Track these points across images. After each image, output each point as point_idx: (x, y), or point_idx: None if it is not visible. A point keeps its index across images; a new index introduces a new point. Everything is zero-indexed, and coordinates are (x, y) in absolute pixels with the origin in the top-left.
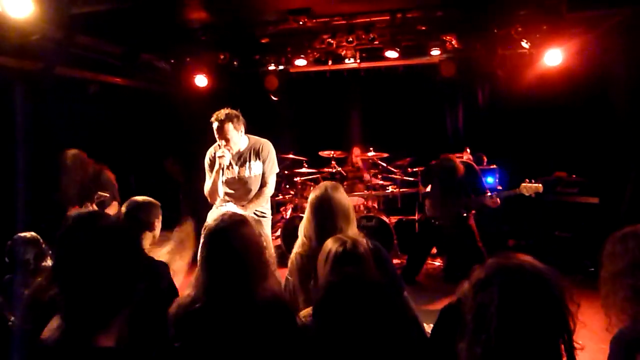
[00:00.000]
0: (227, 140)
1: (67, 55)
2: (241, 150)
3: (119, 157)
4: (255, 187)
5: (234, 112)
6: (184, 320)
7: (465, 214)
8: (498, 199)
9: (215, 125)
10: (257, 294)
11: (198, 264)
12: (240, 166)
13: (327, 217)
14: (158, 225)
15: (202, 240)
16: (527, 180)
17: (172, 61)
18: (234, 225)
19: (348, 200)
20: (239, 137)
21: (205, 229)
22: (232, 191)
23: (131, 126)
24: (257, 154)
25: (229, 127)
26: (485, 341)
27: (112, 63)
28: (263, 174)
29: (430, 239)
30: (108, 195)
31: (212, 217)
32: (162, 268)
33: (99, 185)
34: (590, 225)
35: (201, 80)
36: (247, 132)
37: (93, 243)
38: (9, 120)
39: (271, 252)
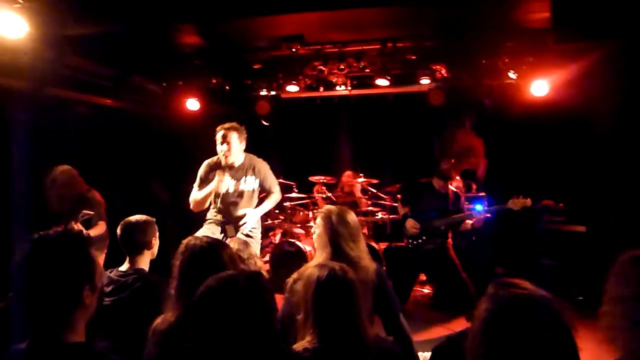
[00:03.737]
0: (229, 145)
1: (59, 75)
2: (237, 165)
3: (107, 178)
4: (246, 202)
5: (240, 125)
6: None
7: (448, 236)
8: (480, 216)
9: (220, 133)
10: None
11: (175, 282)
12: (236, 180)
13: (346, 240)
14: (156, 242)
15: (181, 258)
16: (515, 196)
17: (164, 84)
18: (216, 247)
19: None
20: (239, 150)
21: (184, 248)
22: (222, 205)
23: (120, 148)
24: (253, 171)
25: (234, 135)
26: None
27: (103, 84)
28: (266, 188)
29: (416, 265)
30: (93, 213)
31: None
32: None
33: (86, 204)
34: (578, 253)
35: (192, 104)
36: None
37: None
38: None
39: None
